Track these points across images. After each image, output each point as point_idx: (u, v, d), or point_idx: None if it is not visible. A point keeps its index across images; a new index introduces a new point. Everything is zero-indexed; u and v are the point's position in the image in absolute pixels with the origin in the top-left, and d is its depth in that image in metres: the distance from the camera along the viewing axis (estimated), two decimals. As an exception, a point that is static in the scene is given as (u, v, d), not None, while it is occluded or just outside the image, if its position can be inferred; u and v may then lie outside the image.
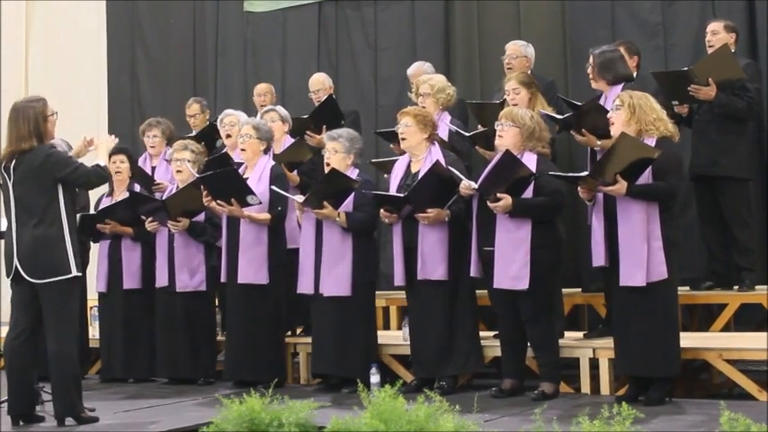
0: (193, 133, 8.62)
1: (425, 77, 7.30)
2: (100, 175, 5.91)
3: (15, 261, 5.73)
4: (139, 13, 11.36)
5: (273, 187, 6.96)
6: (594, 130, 6.29)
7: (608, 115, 5.90)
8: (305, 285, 6.88)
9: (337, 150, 6.82)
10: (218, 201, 6.93)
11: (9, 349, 5.82)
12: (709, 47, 7.15)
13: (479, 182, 6.15)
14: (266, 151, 7.30)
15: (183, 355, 7.47)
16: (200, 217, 7.40)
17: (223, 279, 7.19)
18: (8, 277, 5.82)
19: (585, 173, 5.86)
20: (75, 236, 5.80)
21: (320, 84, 8.54)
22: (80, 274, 5.82)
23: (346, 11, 10.00)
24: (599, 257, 5.81)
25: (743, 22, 7.79)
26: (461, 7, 9.35)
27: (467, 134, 6.88)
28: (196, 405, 6.48)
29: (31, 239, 5.69)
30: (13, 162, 5.75)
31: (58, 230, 5.71)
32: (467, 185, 6.20)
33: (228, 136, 7.91)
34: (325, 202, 6.64)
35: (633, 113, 5.73)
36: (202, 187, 7.02)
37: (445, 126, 7.05)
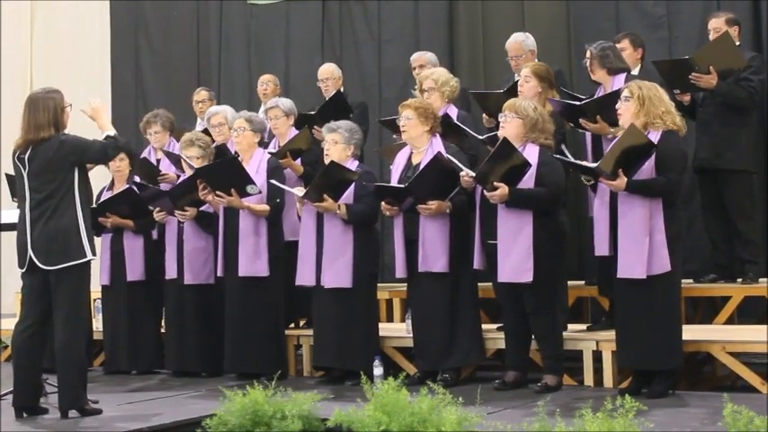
0: (198, 122, 8.64)
1: (428, 72, 7.27)
2: (114, 146, 5.91)
3: (30, 251, 5.74)
4: (143, 6, 11.36)
5: (273, 181, 6.96)
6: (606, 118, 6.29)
7: (617, 106, 5.89)
8: (305, 277, 6.88)
9: (337, 141, 6.83)
10: (217, 192, 6.93)
11: (17, 342, 5.84)
12: (713, 42, 7.14)
13: (477, 169, 6.15)
14: (261, 143, 7.32)
15: (192, 348, 7.49)
16: (211, 208, 7.39)
17: (220, 273, 7.20)
18: (21, 268, 5.83)
19: (594, 164, 5.84)
20: (89, 223, 5.84)
21: (329, 73, 8.51)
22: (94, 257, 5.83)
23: (350, 3, 9.99)
24: (602, 247, 5.79)
25: (747, 14, 7.76)
26: (465, -2, 9.36)
27: (480, 137, 6.83)
28: (199, 397, 6.48)
29: (47, 228, 5.70)
30: (29, 152, 5.77)
31: (72, 219, 5.73)
32: (465, 174, 6.20)
33: (220, 134, 7.88)
34: (325, 195, 6.64)
35: (642, 105, 5.72)
36: (198, 181, 7.03)
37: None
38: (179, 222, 7.46)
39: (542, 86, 6.78)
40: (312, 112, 7.96)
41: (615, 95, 6.03)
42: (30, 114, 5.80)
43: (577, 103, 6.51)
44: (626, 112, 5.79)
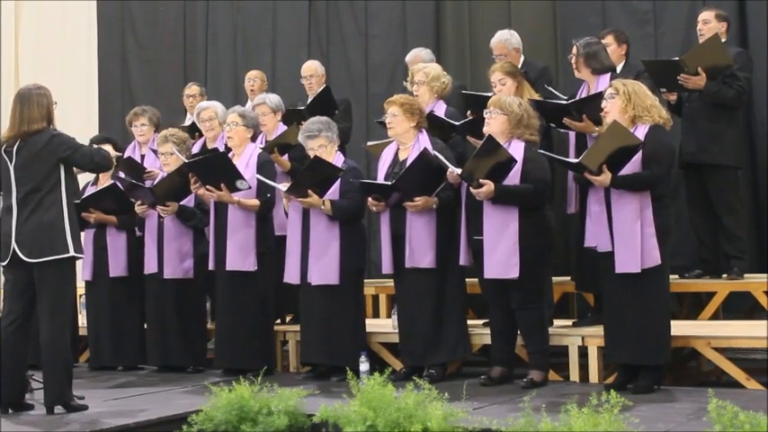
0: (188, 117, 8.60)
1: (421, 65, 7.27)
2: (103, 156, 5.96)
3: (13, 243, 5.72)
4: (130, 0, 11.33)
5: (259, 176, 6.95)
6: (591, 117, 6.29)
7: (602, 105, 5.89)
8: (291, 275, 6.88)
9: (324, 145, 6.81)
10: (207, 186, 6.92)
11: (2, 338, 5.80)
12: (700, 36, 7.14)
13: (462, 167, 6.15)
14: (253, 139, 7.31)
15: (174, 343, 7.47)
16: (191, 202, 7.39)
17: (211, 267, 7.19)
18: (3, 261, 5.80)
19: (576, 160, 5.86)
20: (74, 219, 5.82)
21: (312, 70, 8.52)
22: (78, 255, 5.80)
23: (337, -1, 10.00)
24: (605, 242, 5.77)
25: (733, 11, 7.79)
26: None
27: (456, 123, 6.87)
28: (185, 393, 6.47)
29: (31, 221, 5.69)
30: (17, 145, 5.76)
31: (58, 213, 5.71)
32: (451, 171, 6.21)
33: (210, 129, 7.84)
34: (310, 191, 6.63)
35: (629, 101, 5.73)
36: (190, 174, 7.01)
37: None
38: (159, 217, 7.44)
39: (517, 80, 6.77)
40: (301, 107, 7.96)
41: (601, 95, 6.04)
42: (23, 108, 5.78)
43: (564, 102, 6.52)
44: (613, 108, 5.79)
